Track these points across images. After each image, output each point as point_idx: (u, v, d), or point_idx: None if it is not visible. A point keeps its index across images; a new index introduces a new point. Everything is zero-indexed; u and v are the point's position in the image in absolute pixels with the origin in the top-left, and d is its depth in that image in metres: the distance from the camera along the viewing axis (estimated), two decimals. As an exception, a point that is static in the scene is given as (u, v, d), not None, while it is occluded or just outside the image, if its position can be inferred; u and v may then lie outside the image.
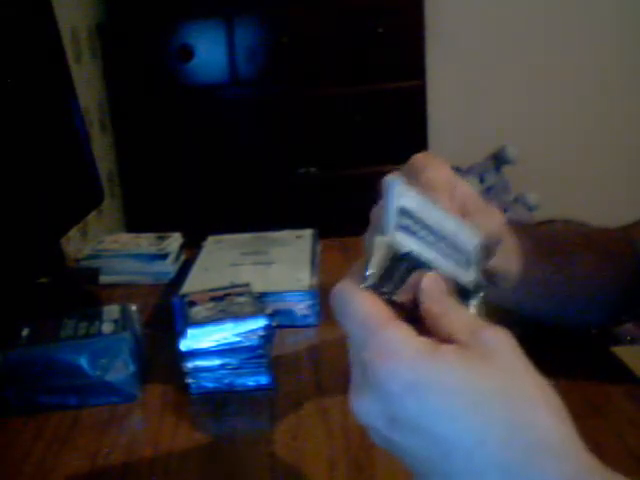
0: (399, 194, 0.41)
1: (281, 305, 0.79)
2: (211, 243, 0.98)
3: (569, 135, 2.76)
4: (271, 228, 1.01)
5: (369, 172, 2.35)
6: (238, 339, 0.68)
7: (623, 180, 2.68)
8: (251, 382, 0.68)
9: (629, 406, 0.61)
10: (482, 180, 2.63)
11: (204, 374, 0.68)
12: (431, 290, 0.39)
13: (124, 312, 0.73)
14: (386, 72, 2.27)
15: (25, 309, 0.78)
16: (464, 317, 0.39)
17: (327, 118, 2.29)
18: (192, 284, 0.83)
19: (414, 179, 0.47)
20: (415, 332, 0.37)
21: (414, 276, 0.40)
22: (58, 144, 0.93)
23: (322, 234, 0.99)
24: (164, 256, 0.98)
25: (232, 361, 0.68)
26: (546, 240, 0.65)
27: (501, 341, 0.37)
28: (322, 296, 0.82)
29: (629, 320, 0.78)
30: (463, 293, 0.41)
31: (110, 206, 2.12)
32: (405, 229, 0.40)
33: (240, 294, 0.74)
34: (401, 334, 0.37)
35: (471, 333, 0.37)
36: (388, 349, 0.36)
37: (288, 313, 0.80)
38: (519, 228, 0.60)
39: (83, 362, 0.67)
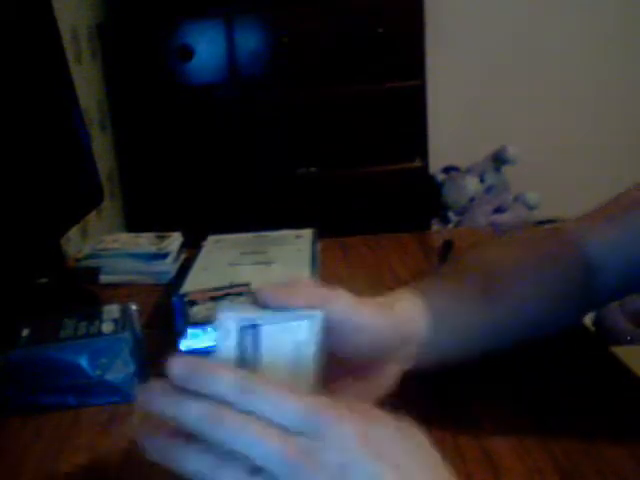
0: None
1: (281, 305, 0.79)
2: (211, 243, 0.98)
3: (569, 135, 2.76)
4: (271, 228, 1.01)
5: (369, 172, 2.35)
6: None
7: (623, 180, 2.67)
8: (251, 382, 0.68)
9: (629, 406, 0.61)
10: (482, 180, 2.63)
11: (204, 374, 0.68)
12: None
13: (124, 312, 0.73)
14: (386, 72, 2.27)
15: (25, 309, 0.78)
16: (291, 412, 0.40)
17: (327, 118, 2.29)
18: (192, 284, 0.83)
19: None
20: None
21: None
22: (58, 144, 0.93)
23: (322, 234, 0.99)
24: (164, 256, 0.98)
25: (232, 361, 0.68)
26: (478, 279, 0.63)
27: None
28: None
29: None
30: None
31: (110, 206, 2.12)
32: None
33: (240, 294, 0.74)
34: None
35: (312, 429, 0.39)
36: None
37: (288, 313, 0.80)
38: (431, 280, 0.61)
39: (83, 362, 0.67)
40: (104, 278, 0.97)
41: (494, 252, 0.67)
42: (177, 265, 0.99)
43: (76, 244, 1.50)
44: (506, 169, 2.65)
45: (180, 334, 0.68)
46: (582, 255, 0.65)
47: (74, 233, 1.57)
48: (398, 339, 0.55)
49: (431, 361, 0.58)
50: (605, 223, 0.66)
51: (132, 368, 0.68)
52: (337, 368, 0.52)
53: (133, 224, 2.30)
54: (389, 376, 0.56)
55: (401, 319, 0.56)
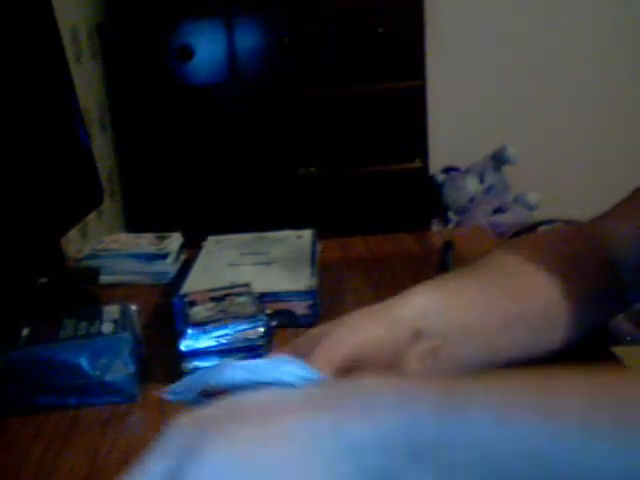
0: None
1: (281, 305, 0.79)
2: (211, 243, 0.98)
3: (569, 135, 2.76)
4: (271, 228, 1.01)
5: (369, 172, 2.35)
6: (238, 339, 0.68)
7: (623, 180, 2.67)
8: (251, 382, 0.68)
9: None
10: (482, 180, 2.63)
11: (204, 374, 0.68)
12: None
13: (124, 312, 0.73)
14: (386, 72, 2.27)
15: (25, 309, 0.78)
16: None
17: (327, 118, 2.29)
18: (192, 284, 0.83)
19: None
20: None
21: None
22: (58, 144, 0.93)
23: (322, 234, 0.99)
24: (164, 256, 0.98)
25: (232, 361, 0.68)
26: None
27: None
28: (322, 296, 0.82)
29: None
30: None
31: (110, 206, 2.12)
32: None
33: (240, 294, 0.74)
34: None
35: None
36: None
37: (288, 313, 0.80)
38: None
39: (83, 362, 0.67)
40: (104, 278, 0.97)
41: (515, 253, 0.65)
42: (177, 265, 0.99)
43: (76, 244, 1.50)
44: (506, 169, 2.65)
45: (180, 334, 0.68)
46: (607, 255, 0.64)
47: (74, 233, 1.57)
48: (406, 336, 0.54)
49: (459, 359, 0.57)
50: (626, 221, 0.65)
51: (132, 368, 0.68)
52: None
53: (133, 224, 2.30)
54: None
55: (404, 316, 0.55)
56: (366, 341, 0.52)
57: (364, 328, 0.53)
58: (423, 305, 0.56)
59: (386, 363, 0.52)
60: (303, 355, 0.48)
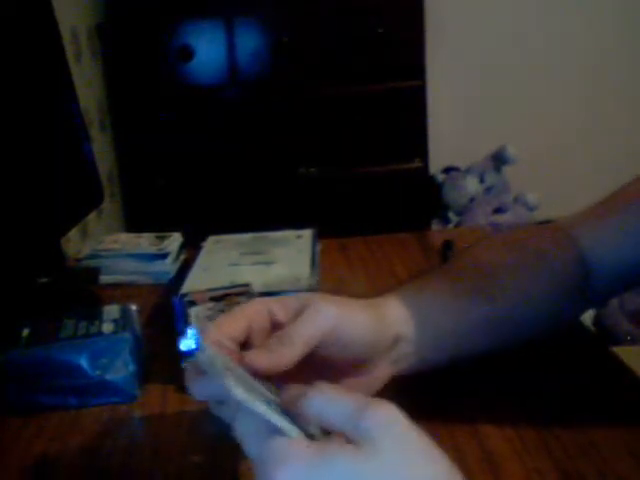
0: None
1: (281, 305, 0.79)
2: (211, 243, 0.98)
3: (569, 135, 2.76)
4: (271, 228, 1.01)
5: (369, 172, 2.35)
6: (238, 339, 0.68)
7: (623, 181, 2.67)
8: (251, 382, 0.68)
9: (629, 406, 0.61)
10: (482, 180, 2.63)
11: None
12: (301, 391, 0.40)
13: (124, 312, 0.73)
14: (386, 72, 2.27)
15: (25, 309, 0.78)
16: (341, 407, 0.38)
17: (327, 118, 2.29)
18: (192, 284, 0.83)
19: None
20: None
21: None
22: (58, 144, 0.93)
23: (322, 234, 0.99)
24: (164, 256, 0.98)
25: (232, 361, 0.68)
26: (472, 274, 0.63)
27: (384, 427, 0.37)
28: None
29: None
30: None
31: (110, 206, 2.12)
32: None
33: (240, 294, 0.74)
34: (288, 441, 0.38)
35: (353, 426, 0.37)
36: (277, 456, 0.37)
37: (288, 313, 0.80)
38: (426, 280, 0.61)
39: (83, 362, 0.67)
40: (104, 278, 0.97)
41: (487, 252, 0.67)
42: (177, 265, 0.99)
43: (76, 244, 1.50)
44: (506, 169, 2.65)
45: (180, 334, 0.68)
46: (577, 251, 0.64)
47: (74, 233, 1.57)
48: (388, 339, 0.55)
49: (426, 362, 0.58)
50: (599, 220, 0.66)
51: (132, 368, 0.68)
52: (325, 369, 0.52)
53: (133, 224, 2.30)
54: (378, 377, 0.56)
55: (389, 320, 0.56)
56: (358, 323, 0.53)
57: (357, 311, 0.54)
58: (402, 311, 0.57)
59: (360, 356, 0.53)
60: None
